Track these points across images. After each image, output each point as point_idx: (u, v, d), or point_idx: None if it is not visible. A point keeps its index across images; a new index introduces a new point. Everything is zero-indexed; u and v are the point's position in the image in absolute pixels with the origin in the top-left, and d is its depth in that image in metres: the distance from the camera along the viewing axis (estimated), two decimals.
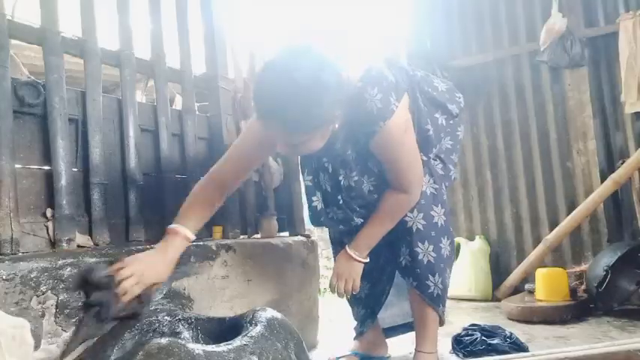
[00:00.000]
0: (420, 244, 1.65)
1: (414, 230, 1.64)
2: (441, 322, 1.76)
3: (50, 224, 1.45)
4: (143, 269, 1.32)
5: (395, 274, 1.84)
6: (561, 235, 2.90)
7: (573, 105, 3.11)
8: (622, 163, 2.82)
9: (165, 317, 1.38)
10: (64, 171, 1.49)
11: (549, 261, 3.04)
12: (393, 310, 2.00)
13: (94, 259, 1.35)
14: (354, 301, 1.92)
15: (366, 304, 1.90)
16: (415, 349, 1.75)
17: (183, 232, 1.43)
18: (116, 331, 1.30)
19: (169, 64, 1.90)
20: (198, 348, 1.10)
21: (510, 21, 3.31)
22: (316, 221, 1.74)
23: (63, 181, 1.48)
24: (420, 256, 1.65)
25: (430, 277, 1.66)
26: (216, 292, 1.71)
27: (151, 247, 1.45)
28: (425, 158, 1.67)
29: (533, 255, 2.96)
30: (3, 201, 1.32)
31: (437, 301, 1.69)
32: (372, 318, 1.90)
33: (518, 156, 3.27)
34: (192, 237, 1.47)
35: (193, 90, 1.99)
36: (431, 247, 1.64)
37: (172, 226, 1.45)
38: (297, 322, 1.93)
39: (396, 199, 1.60)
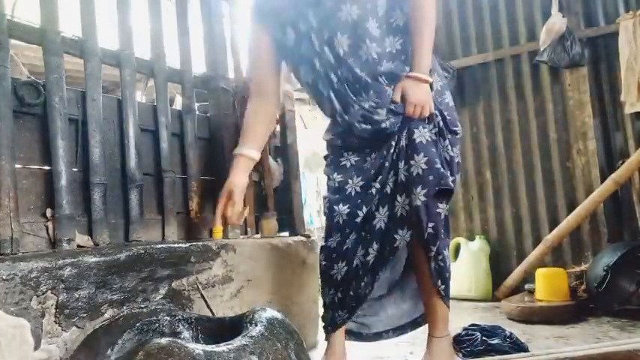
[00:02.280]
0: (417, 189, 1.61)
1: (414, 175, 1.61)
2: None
3: (50, 224, 1.45)
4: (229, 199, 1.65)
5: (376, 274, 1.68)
6: (561, 235, 2.90)
7: (573, 105, 3.11)
8: (622, 163, 2.82)
9: (165, 317, 1.38)
10: (64, 171, 1.48)
11: (549, 261, 3.05)
12: (390, 311, 1.95)
13: (94, 259, 1.35)
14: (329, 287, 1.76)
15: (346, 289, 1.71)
16: (428, 335, 1.72)
17: (247, 153, 1.70)
18: (116, 330, 1.30)
19: (169, 64, 1.90)
20: (198, 348, 1.09)
21: (510, 21, 3.32)
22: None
23: (63, 181, 1.48)
24: (416, 202, 1.59)
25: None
26: (216, 292, 1.71)
27: (151, 246, 1.45)
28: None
29: (533, 255, 2.96)
30: (3, 201, 1.32)
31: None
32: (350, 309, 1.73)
33: (518, 156, 3.27)
34: (257, 155, 1.73)
35: (193, 90, 1.99)
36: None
37: (234, 152, 1.71)
38: (297, 322, 1.93)
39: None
